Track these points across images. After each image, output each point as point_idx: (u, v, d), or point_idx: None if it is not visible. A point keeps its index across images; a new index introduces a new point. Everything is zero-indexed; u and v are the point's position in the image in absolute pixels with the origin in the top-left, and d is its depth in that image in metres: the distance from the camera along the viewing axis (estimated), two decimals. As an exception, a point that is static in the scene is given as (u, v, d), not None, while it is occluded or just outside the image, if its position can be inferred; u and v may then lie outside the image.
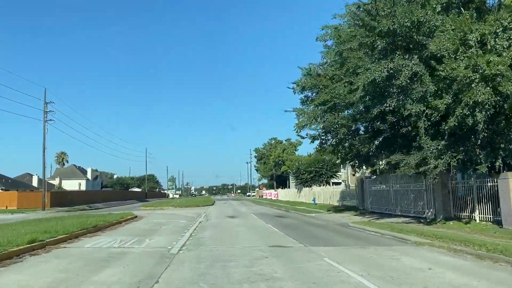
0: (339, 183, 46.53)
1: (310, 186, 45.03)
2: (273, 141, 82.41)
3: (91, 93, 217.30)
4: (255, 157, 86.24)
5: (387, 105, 14.55)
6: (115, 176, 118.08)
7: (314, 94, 20.76)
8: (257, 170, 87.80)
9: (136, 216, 26.29)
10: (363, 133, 18.55)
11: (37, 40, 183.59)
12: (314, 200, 38.46)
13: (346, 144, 19.15)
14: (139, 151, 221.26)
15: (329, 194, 37.16)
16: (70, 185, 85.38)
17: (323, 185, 41.78)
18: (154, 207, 44.89)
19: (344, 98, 15.72)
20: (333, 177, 43.14)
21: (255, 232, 15.82)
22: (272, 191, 76.06)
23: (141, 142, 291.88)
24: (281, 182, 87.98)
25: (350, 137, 18.86)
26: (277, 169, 74.87)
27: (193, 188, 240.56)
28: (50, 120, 45.59)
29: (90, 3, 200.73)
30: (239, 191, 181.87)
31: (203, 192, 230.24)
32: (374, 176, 27.04)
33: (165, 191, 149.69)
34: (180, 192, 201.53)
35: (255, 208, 41.30)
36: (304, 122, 20.00)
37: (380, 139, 15.98)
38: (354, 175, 33.73)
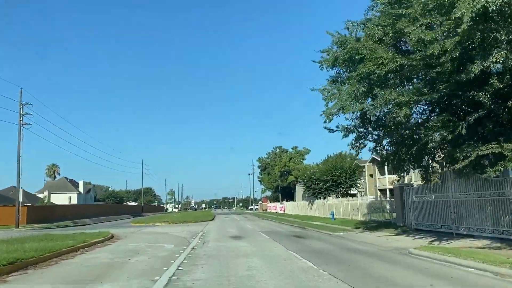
0: (353, 195, 40.64)
1: (325, 198, 39.08)
2: (277, 150, 76.60)
3: (88, 105, 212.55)
4: (259, 167, 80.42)
5: (494, 59, 8.77)
6: (110, 190, 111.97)
7: (350, 70, 14.92)
8: (260, 181, 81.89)
9: (112, 237, 20.36)
10: (437, 112, 12.64)
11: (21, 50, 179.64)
12: (332, 214, 32.45)
13: (406, 133, 13.17)
14: (135, 162, 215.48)
15: (351, 207, 31.12)
16: (60, 199, 79.34)
17: (341, 196, 35.81)
18: (145, 223, 38.94)
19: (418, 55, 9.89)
20: (352, 187, 37.07)
21: (277, 268, 9.89)
22: (278, 204, 69.90)
23: (139, 155, 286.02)
24: (286, 194, 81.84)
25: (414, 121, 13.01)
26: (283, 179, 68.82)
27: (193, 201, 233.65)
28: (27, 124, 40.01)
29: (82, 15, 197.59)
30: (240, 204, 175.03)
31: (203, 205, 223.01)
32: (418, 184, 21.09)
33: (164, 205, 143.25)
34: (179, 206, 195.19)
35: (262, 224, 35.26)
36: (337, 106, 14.21)
37: (472, 119, 10.16)
38: (398, 181, 27.67)
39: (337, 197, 35.58)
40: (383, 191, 40.85)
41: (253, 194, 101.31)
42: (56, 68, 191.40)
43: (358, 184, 36.15)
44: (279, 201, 78.08)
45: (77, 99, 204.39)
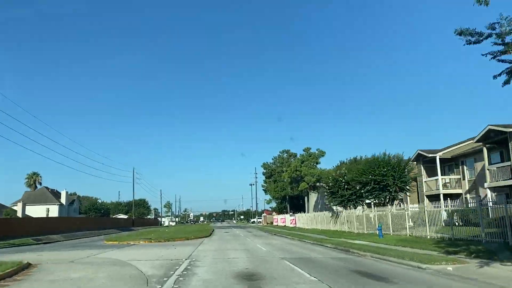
0: (370, 206, 30.95)
1: (356, 206, 29.36)
2: (285, 154, 66.94)
3: (74, 111, 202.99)
4: (263, 174, 70.39)
5: None
6: (99, 201, 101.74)
7: None
8: (265, 190, 71.96)
9: (27, 266, 10.75)
10: None
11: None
12: (380, 229, 22.60)
13: None
14: (126, 171, 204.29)
15: (413, 217, 21.26)
16: (37, 211, 69.34)
17: (389, 203, 25.79)
18: (119, 241, 29.20)
19: None
20: (402, 192, 26.65)
21: None
22: (287, 216, 59.92)
23: (135, 165, 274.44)
24: (295, 205, 71.94)
25: None
26: (293, 187, 58.86)
27: (191, 215, 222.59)
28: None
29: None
30: (241, 217, 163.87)
31: (201, 219, 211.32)
32: None
33: (159, 219, 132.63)
34: (177, 219, 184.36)
35: (277, 242, 25.48)
36: None
37: None
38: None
39: (382, 204, 25.62)
40: (433, 197, 31.04)
41: (256, 206, 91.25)
42: (38, 67, 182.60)
43: (408, 187, 26.18)
44: (286, 213, 68.11)
45: (64, 104, 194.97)
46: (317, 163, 54.97)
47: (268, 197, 74.40)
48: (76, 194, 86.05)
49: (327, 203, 60.78)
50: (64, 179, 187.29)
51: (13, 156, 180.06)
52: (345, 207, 32.55)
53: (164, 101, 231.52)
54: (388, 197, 25.48)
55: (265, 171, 69.64)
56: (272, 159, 69.37)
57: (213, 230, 54.80)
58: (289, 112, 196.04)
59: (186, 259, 15.06)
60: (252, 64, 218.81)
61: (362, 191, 27.66)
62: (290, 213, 61.80)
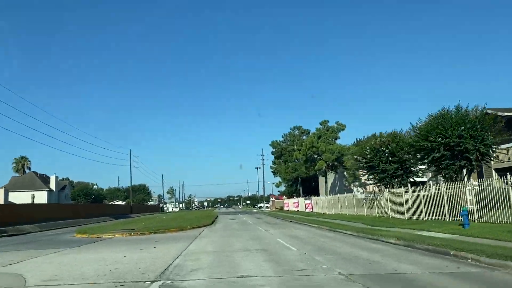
0: (415, 183, 23.35)
1: (400, 185, 21.82)
2: (296, 131, 59.26)
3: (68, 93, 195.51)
4: (272, 153, 62.68)
5: None
6: (95, 187, 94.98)
7: None
8: (274, 172, 64.37)
9: None
10: None
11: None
12: (465, 214, 14.96)
13: None
14: (124, 153, 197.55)
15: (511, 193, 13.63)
16: (22, 197, 62.55)
17: (466, 176, 18.05)
18: (89, 234, 21.88)
19: None
20: (486, 158, 18.40)
21: None
22: (301, 199, 52.53)
23: (136, 151, 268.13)
24: (305, 188, 64.60)
25: None
26: (309, 167, 51.18)
27: (196, 200, 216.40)
28: None
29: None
30: (247, 202, 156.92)
31: (205, 204, 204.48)
32: None
33: (160, 205, 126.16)
34: (181, 205, 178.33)
35: (303, 234, 18.13)
36: None
37: None
38: None
39: (452, 178, 17.81)
40: (503, 171, 23.23)
41: (263, 190, 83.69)
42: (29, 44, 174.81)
43: (494, 149, 18.03)
44: (298, 196, 60.80)
45: (56, 83, 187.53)
46: (336, 138, 47.12)
47: (277, 179, 67.01)
48: (68, 180, 79.07)
49: (346, 184, 53.31)
50: (59, 165, 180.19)
51: (3, 140, 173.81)
52: (387, 185, 24.90)
53: (166, 78, 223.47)
54: (467, 167, 17.68)
55: (274, 150, 61.91)
56: (282, 136, 61.63)
57: (217, 216, 47.62)
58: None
59: (156, 279, 7.59)
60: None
61: (419, 162, 19.96)
62: (304, 196, 54.38)
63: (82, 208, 55.07)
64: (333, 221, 25.62)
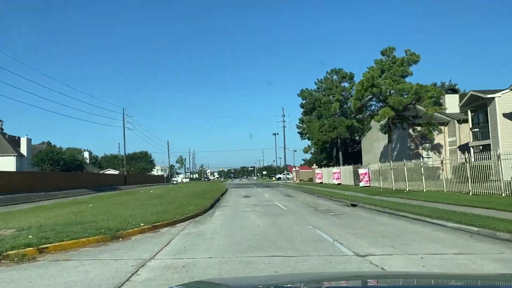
0: None
1: None
2: (335, 76, 43.17)
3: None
4: (302, 106, 46.47)
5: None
6: (85, 154, 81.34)
7: None
8: (302, 133, 48.67)
9: None
10: None
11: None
12: None
13: None
14: (117, 112, 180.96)
15: None
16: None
17: None
18: None
19: None
20: None
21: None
22: (347, 168, 37.20)
23: (139, 116, 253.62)
24: (349, 154, 49.22)
25: None
26: (363, 118, 35.09)
27: (208, 171, 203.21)
28: None
29: None
30: (264, 172, 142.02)
31: (216, 175, 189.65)
32: None
33: (168, 175, 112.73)
34: (193, 176, 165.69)
35: None
36: None
37: None
38: None
39: None
40: None
41: (284, 157, 68.11)
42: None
43: None
44: (334, 165, 45.63)
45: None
46: (405, 76, 30.80)
47: (303, 145, 51.44)
48: (45, 143, 64.92)
49: (413, 146, 37.68)
50: (47, 131, 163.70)
51: None
52: None
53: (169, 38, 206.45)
54: None
55: (304, 102, 45.93)
56: (316, 83, 45.53)
57: (226, 190, 33.07)
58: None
59: None
60: None
61: None
62: (351, 164, 38.98)
63: (54, 178, 40.89)
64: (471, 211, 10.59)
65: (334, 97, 40.35)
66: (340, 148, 45.57)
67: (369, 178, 29.73)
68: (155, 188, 52.60)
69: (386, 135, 35.71)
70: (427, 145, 35.62)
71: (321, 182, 45.51)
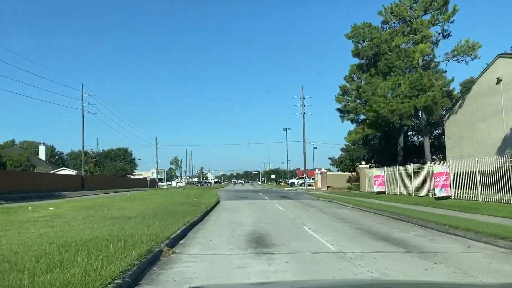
0: None
1: None
2: (414, 4, 24.07)
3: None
4: (355, 54, 26.32)
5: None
6: (41, 150, 62.07)
7: None
8: (344, 111, 28.71)
9: None
10: None
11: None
12: None
13: None
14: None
15: None
16: None
17: None
18: None
19: None
20: None
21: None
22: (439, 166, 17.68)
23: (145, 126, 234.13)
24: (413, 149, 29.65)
25: None
26: None
27: (209, 174, 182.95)
28: None
29: None
30: (272, 176, 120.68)
31: (212, 177, 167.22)
32: None
33: (155, 179, 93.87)
34: (194, 180, 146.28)
35: None
36: None
37: None
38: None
39: None
40: None
41: (304, 155, 48.07)
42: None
43: None
44: (392, 165, 25.89)
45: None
46: None
47: (346, 128, 31.21)
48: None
49: None
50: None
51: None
52: None
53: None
54: None
55: (358, 47, 25.19)
56: (381, 13, 25.60)
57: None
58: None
59: None
60: None
61: None
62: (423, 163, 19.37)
63: None
64: None
65: (419, 33, 21.25)
66: (401, 137, 25.80)
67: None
68: (102, 198, 32.95)
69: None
70: None
71: (383, 192, 26.08)
